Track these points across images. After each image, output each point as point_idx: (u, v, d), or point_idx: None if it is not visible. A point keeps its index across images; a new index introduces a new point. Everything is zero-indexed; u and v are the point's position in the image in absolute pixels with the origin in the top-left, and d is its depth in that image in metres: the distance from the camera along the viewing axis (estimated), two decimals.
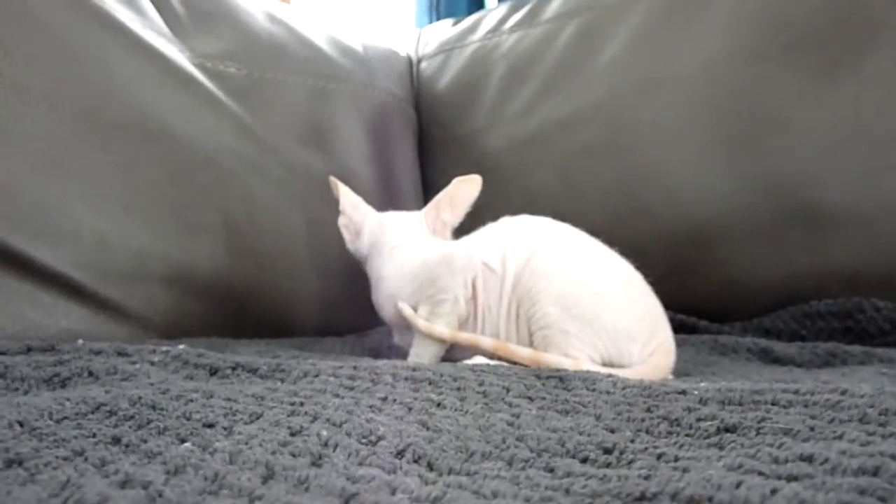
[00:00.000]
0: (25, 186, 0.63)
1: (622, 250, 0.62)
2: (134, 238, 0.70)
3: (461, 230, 0.71)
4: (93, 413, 0.32)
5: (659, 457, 0.29)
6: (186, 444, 0.28)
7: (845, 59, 0.79)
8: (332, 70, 1.01)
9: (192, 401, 0.35)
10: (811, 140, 0.80)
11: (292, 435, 0.30)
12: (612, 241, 0.63)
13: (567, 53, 1.02)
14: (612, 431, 0.33)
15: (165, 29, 0.82)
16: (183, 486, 0.24)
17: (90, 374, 0.41)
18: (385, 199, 0.95)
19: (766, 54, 0.84)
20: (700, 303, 0.86)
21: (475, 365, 0.49)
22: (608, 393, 0.39)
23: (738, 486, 0.23)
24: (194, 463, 0.26)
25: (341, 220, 0.74)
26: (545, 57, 1.04)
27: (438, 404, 0.36)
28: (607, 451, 0.30)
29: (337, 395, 0.37)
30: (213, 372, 0.44)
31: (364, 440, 0.30)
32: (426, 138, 1.17)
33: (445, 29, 1.23)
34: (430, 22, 1.43)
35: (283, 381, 0.42)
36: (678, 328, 0.73)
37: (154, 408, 0.33)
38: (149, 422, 0.31)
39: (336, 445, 0.29)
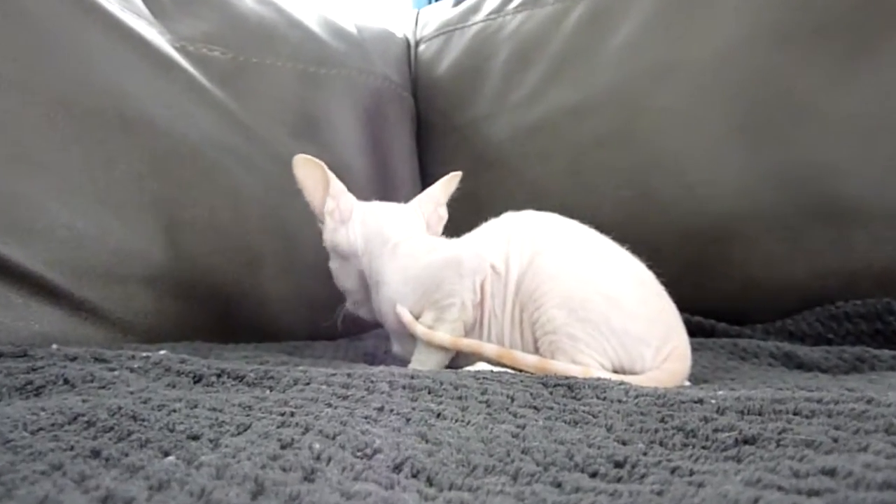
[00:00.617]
0: None
1: (634, 247, 0.62)
2: (112, 235, 0.70)
3: (462, 227, 0.70)
4: (70, 424, 0.33)
5: (673, 471, 0.29)
6: (170, 458, 0.29)
7: (874, 41, 0.79)
8: (323, 54, 1.01)
9: (175, 411, 0.35)
10: (836, 129, 0.80)
11: (283, 448, 0.30)
12: (622, 238, 0.62)
13: (576, 36, 1.02)
14: (624, 443, 0.33)
15: (145, 10, 0.82)
16: (167, 502, 0.24)
17: (66, 381, 0.41)
18: (381, 191, 0.95)
19: (789, 37, 0.84)
20: (718, 304, 0.86)
21: (478, 372, 0.49)
22: (619, 402, 0.40)
23: (756, 501, 0.23)
24: (179, 478, 0.26)
25: (328, 206, 0.67)
26: (553, 39, 1.04)
27: (438, 415, 0.37)
28: (618, 465, 0.30)
29: (330, 405, 0.38)
30: (197, 379, 0.44)
31: (359, 453, 0.30)
32: (425, 127, 1.17)
33: (445, 9, 1.23)
34: (429, 2, 1.43)
35: (271, 389, 0.42)
36: (694, 331, 0.73)
37: (135, 418, 0.33)
38: (129, 433, 0.31)
39: (329, 459, 0.29)
